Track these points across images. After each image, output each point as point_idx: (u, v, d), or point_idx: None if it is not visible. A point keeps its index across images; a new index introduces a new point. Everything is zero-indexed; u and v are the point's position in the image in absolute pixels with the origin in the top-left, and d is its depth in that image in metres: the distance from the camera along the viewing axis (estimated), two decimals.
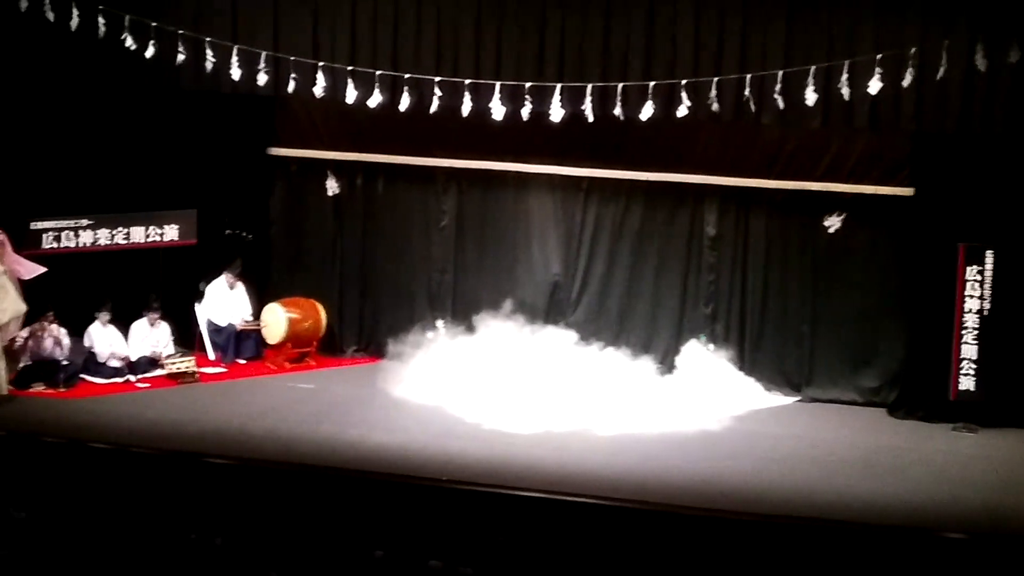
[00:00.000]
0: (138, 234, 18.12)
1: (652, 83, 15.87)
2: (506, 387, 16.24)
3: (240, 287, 18.30)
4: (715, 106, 15.70)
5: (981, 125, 15.72)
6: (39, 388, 16.41)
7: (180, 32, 16.61)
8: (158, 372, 17.25)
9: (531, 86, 16.14)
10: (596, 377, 16.62)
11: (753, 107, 15.64)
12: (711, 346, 17.30)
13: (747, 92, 15.61)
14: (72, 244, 17.70)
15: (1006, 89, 15.42)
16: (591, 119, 16.00)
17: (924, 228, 16.36)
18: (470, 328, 17.57)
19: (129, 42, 16.50)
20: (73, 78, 17.65)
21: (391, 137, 17.89)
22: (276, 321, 18.06)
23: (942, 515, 13.37)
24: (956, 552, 12.33)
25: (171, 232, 18.29)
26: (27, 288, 16.87)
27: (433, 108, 16.42)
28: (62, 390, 16.46)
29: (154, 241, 18.23)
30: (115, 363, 17.03)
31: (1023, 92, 15.47)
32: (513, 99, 16.18)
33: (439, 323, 17.96)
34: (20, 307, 16.27)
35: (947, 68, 14.97)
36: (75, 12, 16.46)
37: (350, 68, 16.70)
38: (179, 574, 10.26)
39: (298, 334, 18.13)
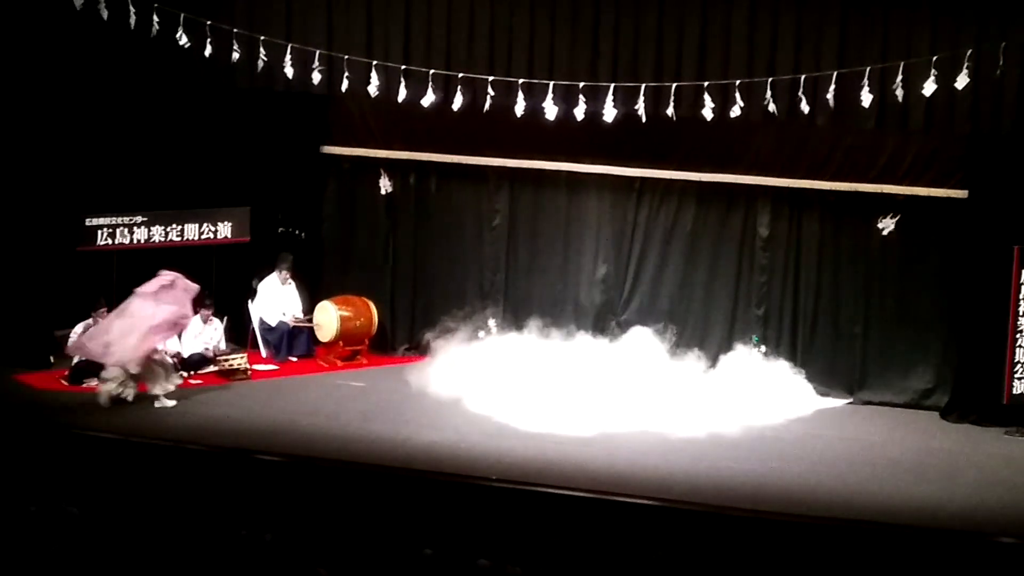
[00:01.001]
0: (192, 231, 18.24)
1: (706, 83, 15.84)
2: (557, 387, 16.24)
3: (292, 284, 18.38)
4: (770, 107, 15.65)
5: None
6: (92, 384, 16.51)
7: (234, 30, 16.69)
8: (210, 369, 17.36)
9: (584, 86, 16.14)
10: (646, 377, 16.59)
11: (807, 108, 15.57)
12: (763, 347, 17.25)
13: (800, 93, 15.55)
14: (126, 241, 17.83)
15: None
16: (644, 119, 15.98)
17: (978, 230, 16.24)
18: (521, 327, 17.60)
19: (184, 40, 16.59)
20: (128, 76, 17.76)
21: (444, 136, 17.92)
22: (328, 319, 18.13)
23: (995, 519, 13.29)
24: (1008, 557, 12.24)
25: (224, 229, 18.40)
26: (82, 285, 17.09)
27: (486, 107, 16.45)
28: None
29: (208, 238, 18.35)
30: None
31: None
32: (566, 99, 16.18)
33: (490, 322, 17.98)
34: None
35: (1003, 70, 14.86)
36: (132, 11, 16.57)
37: (403, 67, 16.74)
38: (229, 570, 10.31)
39: (350, 332, 18.19)
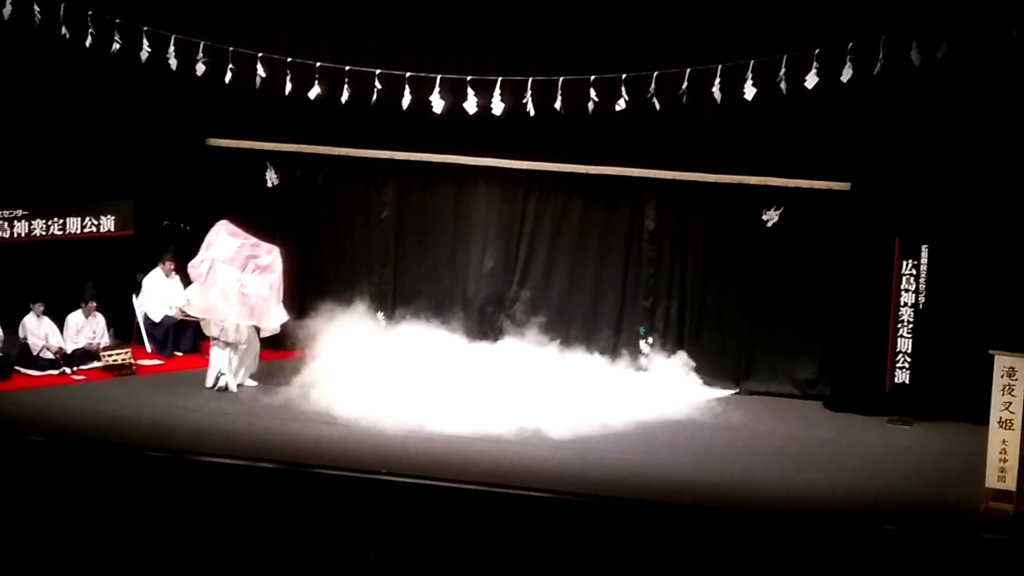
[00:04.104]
0: (74, 224, 17.99)
1: (592, 77, 15.89)
2: (445, 382, 16.21)
3: (177, 278, 18.16)
4: (655, 100, 15.74)
5: (917, 121, 15.91)
6: None
7: (117, 20, 16.46)
8: (94, 364, 17.12)
9: (472, 79, 16.12)
10: (535, 371, 16.62)
11: (686, 101, 15.67)
12: (650, 339, 17.36)
13: (684, 86, 15.65)
14: (6, 234, 17.56)
15: (940, 84, 15.59)
16: (532, 113, 16.02)
17: (861, 222, 16.47)
18: (411, 320, 17.55)
19: (64, 31, 16.34)
20: (6, 67, 17.47)
21: (331, 129, 17.82)
22: None
23: (876, 506, 13.51)
24: (891, 544, 12.45)
25: (107, 223, 18.17)
26: None
27: (373, 100, 16.37)
28: None
29: (90, 232, 18.11)
30: (48, 355, 16.85)
31: (956, 87, 15.66)
32: (455, 92, 16.16)
33: (379, 315, 17.92)
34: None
35: (883, 63, 15.07)
36: (8, 1, 16.31)
37: (289, 59, 16.62)
38: (114, 567, 10.21)
39: None
